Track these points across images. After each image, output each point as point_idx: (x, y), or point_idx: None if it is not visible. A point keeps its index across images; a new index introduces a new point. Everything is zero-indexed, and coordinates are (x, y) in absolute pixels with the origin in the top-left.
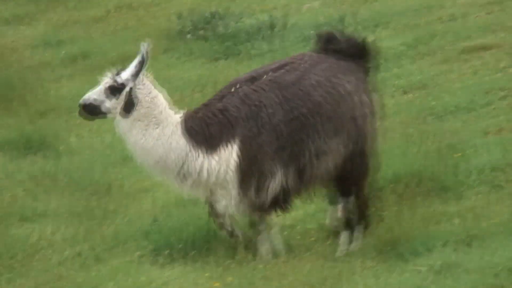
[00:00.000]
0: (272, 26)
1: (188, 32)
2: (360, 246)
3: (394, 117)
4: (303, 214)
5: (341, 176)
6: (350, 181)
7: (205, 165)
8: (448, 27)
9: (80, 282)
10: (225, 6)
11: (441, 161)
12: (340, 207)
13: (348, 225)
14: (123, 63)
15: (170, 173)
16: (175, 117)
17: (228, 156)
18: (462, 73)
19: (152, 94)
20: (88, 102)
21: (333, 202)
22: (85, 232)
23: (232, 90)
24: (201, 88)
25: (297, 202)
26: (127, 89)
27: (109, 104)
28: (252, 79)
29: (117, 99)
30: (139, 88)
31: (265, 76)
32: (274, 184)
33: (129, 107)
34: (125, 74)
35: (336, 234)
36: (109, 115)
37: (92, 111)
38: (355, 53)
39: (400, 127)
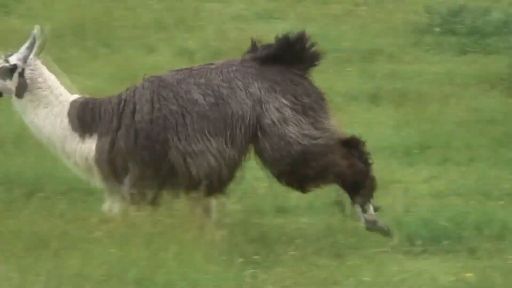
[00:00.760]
0: None
1: (437, 26)
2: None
3: None
4: None
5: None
6: (311, 179)
7: (78, 150)
8: None
9: (333, 271)
10: None
11: None
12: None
13: (354, 201)
14: (373, 57)
15: (59, 151)
16: (68, 98)
17: (90, 147)
18: None
19: (44, 76)
20: None
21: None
22: (337, 222)
23: (140, 83)
24: (449, 81)
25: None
26: (19, 70)
27: (2, 84)
28: (160, 77)
29: (11, 80)
30: (31, 70)
31: (172, 75)
32: (133, 180)
33: (22, 88)
34: (16, 56)
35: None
36: (5, 95)
37: None
38: (288, 57)
39: None
